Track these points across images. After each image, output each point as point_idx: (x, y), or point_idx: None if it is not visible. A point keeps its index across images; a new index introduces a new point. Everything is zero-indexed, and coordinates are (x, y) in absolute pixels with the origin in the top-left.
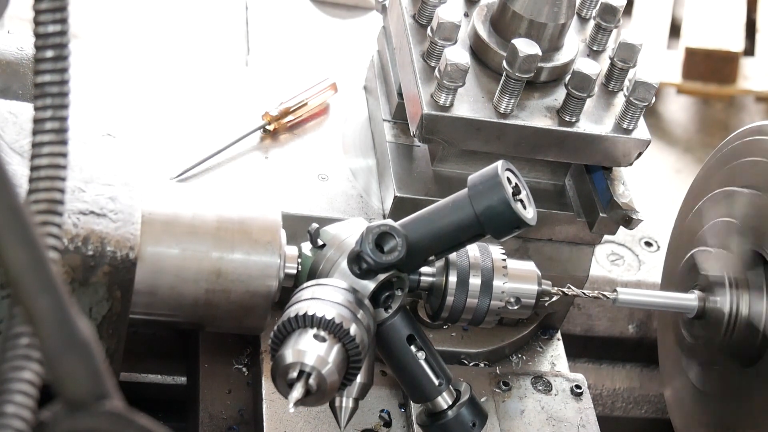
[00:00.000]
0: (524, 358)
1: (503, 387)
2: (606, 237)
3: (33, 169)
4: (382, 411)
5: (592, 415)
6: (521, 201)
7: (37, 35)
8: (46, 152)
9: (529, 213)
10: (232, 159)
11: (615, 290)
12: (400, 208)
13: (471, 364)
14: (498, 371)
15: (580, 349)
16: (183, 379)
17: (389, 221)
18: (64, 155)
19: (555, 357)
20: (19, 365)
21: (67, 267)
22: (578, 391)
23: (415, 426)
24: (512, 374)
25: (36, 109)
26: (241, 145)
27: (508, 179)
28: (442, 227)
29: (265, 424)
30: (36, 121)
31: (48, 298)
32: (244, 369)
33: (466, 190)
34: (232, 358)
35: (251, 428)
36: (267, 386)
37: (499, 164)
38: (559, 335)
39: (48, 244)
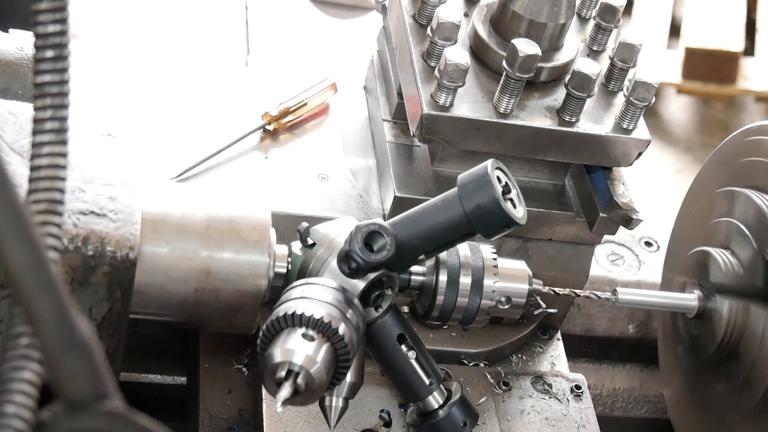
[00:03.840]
0: (524, 358)
1: (503, 387)
2: (606, 237)
3: (33, 169)
4: (382, 411)
5: (592, 415)
6: (511, 200)
7: (37, 35)
8: (46, 152)
9: (519, 212)
10: (232, 159)
11: (615, 290)
12: (400, 208)
13: (471, 364)
14: (498, 371)
15: (580, 349)
16: (183, 379)
17: (378, 220)
18: (64, 155)
19: (555, 357)
20: (19, 365)
21: (67, 267)
22: (578, 391)
23: None
24: (512, 374)
25: (36, 109)
26: (241, 145)
27: (498, 178)
28: (432, 226)
29: (265, 424)
30: (36, 121)
31: (48, 298)
32: (244, 369)
33: (455, 189)
34: (232, 358)
35: (251, 428)
36: None
37: (489, 163)
38: (559, 335)
39: (48, 244)
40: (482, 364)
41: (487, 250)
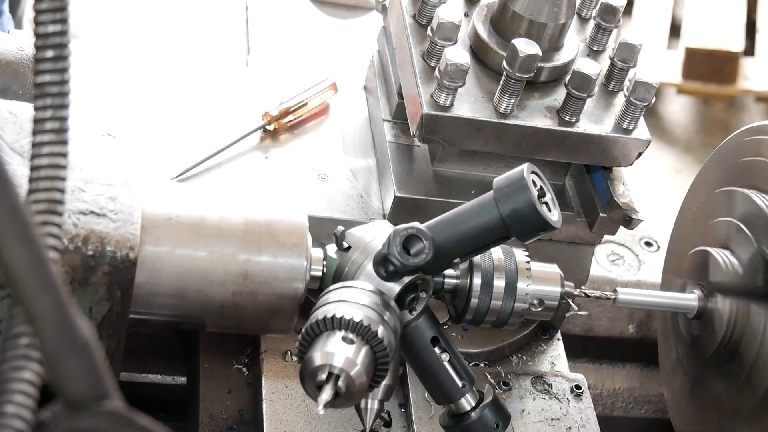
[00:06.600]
0: (524, 358)
1: (503, 387)
2: (606, 237)
3: (33, 169)
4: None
5: (592, 415)
6: (546, 203)
7: (37, 35)
8: (46, 152)
9: (554, 215)
10: (232, 159)
11: (614, 290)
12: (400, 208)
13: (471, 364)
14: (498, 371)
15: (580, 349)
16: (183, 379)
17: (416, 224)
18: (64, 155)
19: (555, 357)
20: (19, 365)
21: (67, 267)
22: (578, 391)
23: (415, 426)
24: (512, 374)
25: (36, 109)
26: (241, 145)
27: (533, 182)
28: (468, 229)
29: (265, 424)
30: (36, 121)
31: (48, 298)
32: (244, 369)
33: (491, 192)
34: (232, 358)
35: (251, 428)
36: (267, 386)
37: (525, 167)
38: (559, 335)
39: (48, 244)
40: (482, 364)
41: (519, 253)
